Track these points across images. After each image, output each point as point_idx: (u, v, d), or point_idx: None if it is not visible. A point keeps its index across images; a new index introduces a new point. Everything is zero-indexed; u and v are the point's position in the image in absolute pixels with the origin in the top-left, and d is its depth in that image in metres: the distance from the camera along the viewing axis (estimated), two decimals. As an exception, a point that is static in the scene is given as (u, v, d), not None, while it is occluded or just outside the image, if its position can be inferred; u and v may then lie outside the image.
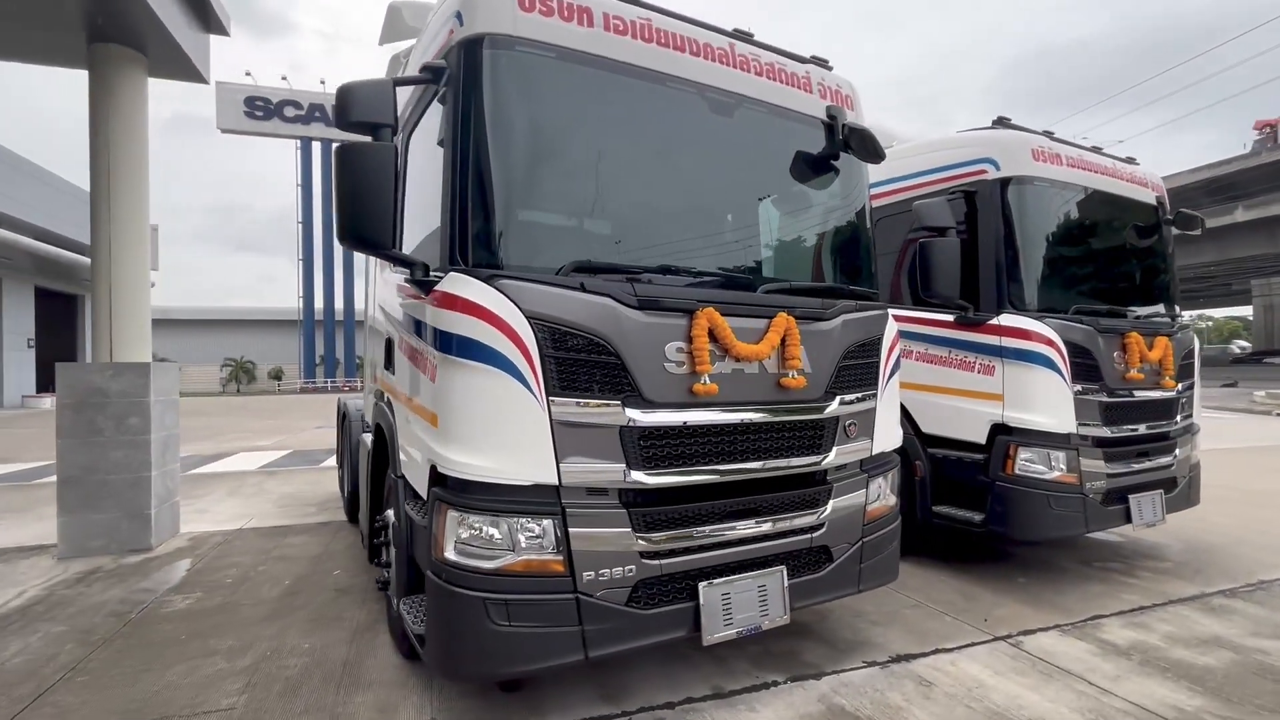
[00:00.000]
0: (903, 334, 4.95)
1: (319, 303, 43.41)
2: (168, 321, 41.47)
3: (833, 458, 3.10)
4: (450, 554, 2.39)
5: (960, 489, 4.66)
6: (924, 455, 4.84)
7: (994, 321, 4.43)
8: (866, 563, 3.27)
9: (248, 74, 41.05)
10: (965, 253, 4.57)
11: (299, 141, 43.15)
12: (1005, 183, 4.49)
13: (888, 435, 3.42)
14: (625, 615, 2.55)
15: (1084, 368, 4.38)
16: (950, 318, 4.67)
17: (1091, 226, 4.88)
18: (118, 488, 5.35)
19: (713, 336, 2.70)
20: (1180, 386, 4.95)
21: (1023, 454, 4.30)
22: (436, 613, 2.42)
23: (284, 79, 41.74)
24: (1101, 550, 5.39)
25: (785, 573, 2.92)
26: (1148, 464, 4.74)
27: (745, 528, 2.85)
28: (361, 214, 2.41)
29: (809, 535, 3.05)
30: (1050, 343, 4.27)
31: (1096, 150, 5.21)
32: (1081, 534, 4.53)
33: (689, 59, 2.95)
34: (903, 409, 4.95)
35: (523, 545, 2.41)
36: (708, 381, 2.65)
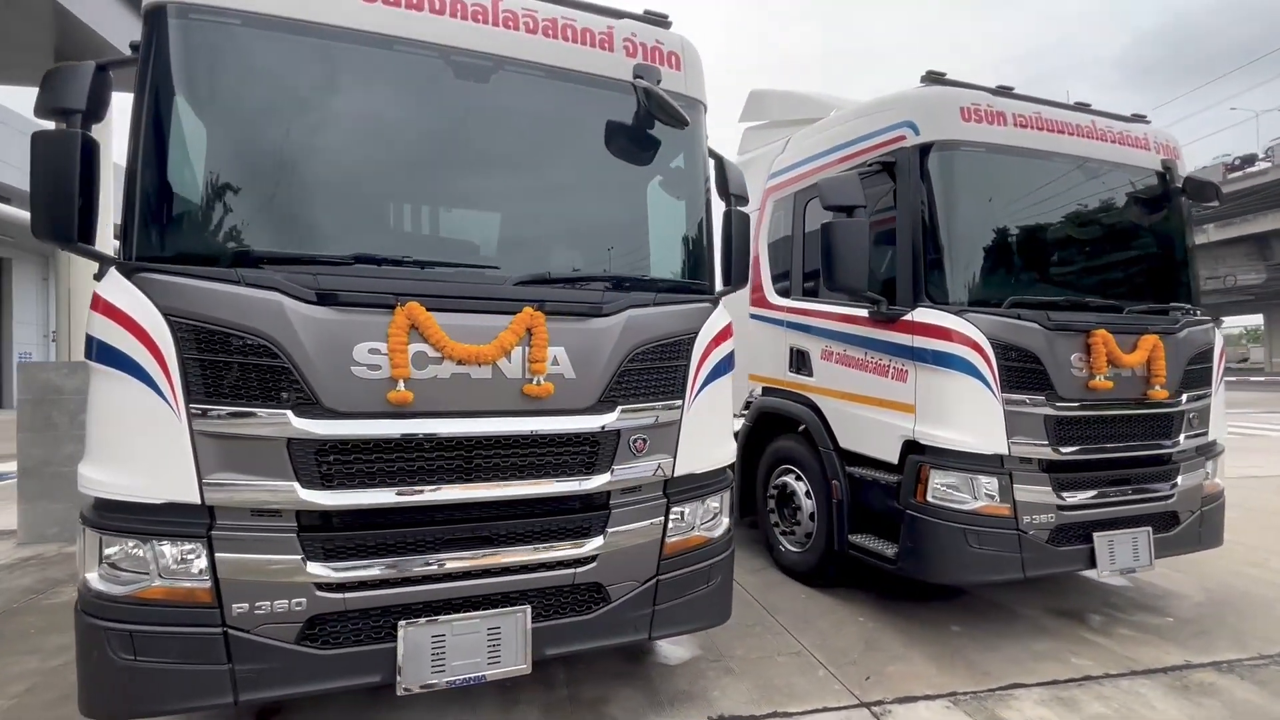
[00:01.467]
0: (821, 333, 4.33)
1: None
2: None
3: (607, 479, 2.61)
4: (91, 577, 2.18)
5: (878, 517, 3.94)
6: (841, 475, 4.14)
7: (908, 317, 3.68)
8: (664, 604, 2.75)
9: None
10: (887, 237, 3.87)
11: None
12: (925, 150, 3.71)
13: (703, 452, 2.87)
14: (294, 655, 2.23)
15: (1023, 373, 3.53)
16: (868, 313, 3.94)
17: (1056, 199, 3.95)
18: (71, 480, 5.67)
19: (424, 336, 2.32)
20: (1186, 397, 3.92)
21: (937, 478, 3.53)
22: (77, 642, 2.22)
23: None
24: (1091, 596, 4.40)
25: (529, 614, 2.48)
26: (1127, 494, 3.79)
27: (471, 559, 2.44)
28: (50, 206, 2.24)
29: (571, 570, 2.59)
30: (971, 343, 3.47)
31: (1082, 107, 4.26)
32: (1018, 579, 3.67)
33: (426, 17, 2.56)
34: (822, 420, 4.34)
35: (160, 571, 2.15)
36: (403, 388, 2.27)
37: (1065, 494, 3.61)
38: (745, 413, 5.22)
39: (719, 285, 3.14)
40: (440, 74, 2.60)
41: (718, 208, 3.20)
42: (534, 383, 2.45)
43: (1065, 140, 3.94)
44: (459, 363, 2.36)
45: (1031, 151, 3.84)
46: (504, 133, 2.76)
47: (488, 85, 2.67)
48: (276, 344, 2.18)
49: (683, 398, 2.78)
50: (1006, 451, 3.50)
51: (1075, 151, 3.96)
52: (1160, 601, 4.33)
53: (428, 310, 2.31)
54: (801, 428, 4.49)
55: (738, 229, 3.21)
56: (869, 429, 3.95)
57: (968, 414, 3.51)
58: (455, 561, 2.42)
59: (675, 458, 2.76)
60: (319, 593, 2.25)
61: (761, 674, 3.29)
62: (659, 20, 3.10)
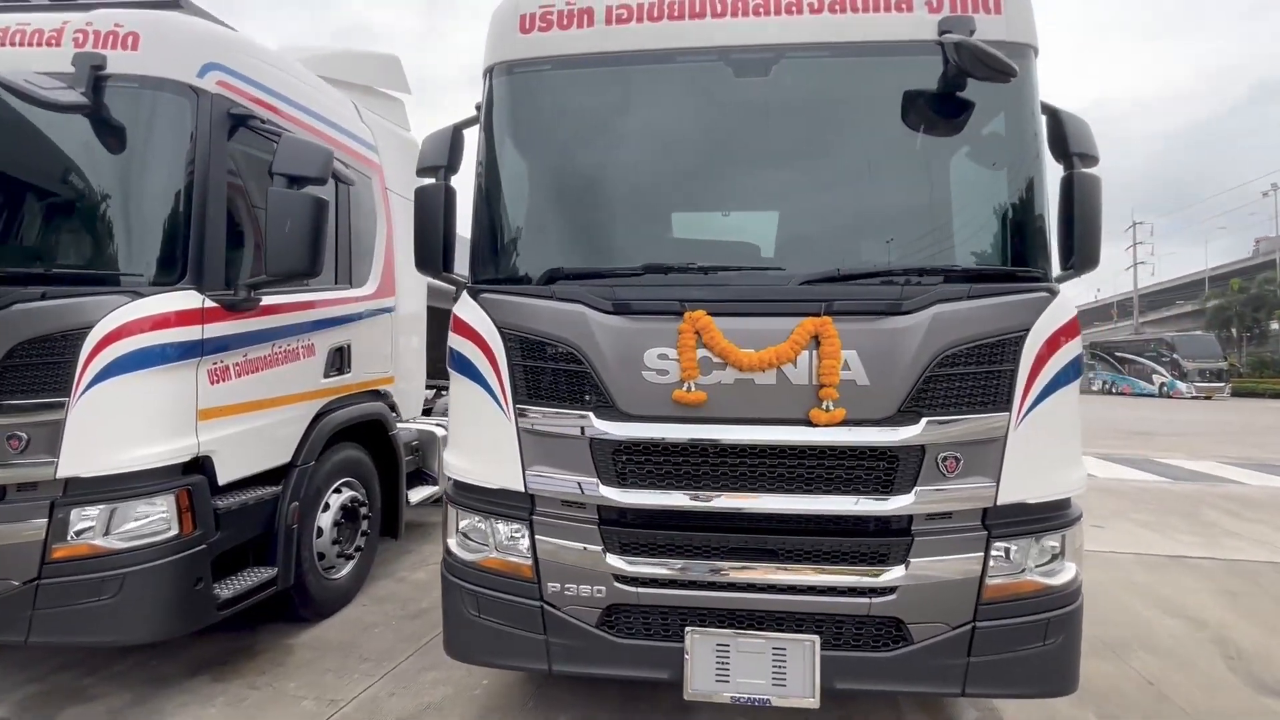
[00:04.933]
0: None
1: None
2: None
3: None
4: None
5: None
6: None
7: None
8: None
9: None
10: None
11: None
12: (486, 78, 2.79)
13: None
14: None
15: (558, 377, 2.43)
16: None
17: (690, 117, 2.58)
18: None
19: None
20: (926, 423, 2.25)
21: (452, 515, 2.65)
22: None
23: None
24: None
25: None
26: (766, 576, 2.34)
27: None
28: None
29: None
30: (474, 336, 2.52)
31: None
32: (543, 671, 2.48)
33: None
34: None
35: None
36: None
37: (631, 559, 2.40)
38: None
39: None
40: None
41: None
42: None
43: (715, 27, 2.52)
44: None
45: (639, 54, 2.59)
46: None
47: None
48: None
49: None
50: (523, 487, 2.47)
51: (744, 39, 2.54)
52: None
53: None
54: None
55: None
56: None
57: (475, 433, 2.58)
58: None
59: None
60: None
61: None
62: None
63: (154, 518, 2.78)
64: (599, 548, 2.42)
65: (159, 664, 3.32)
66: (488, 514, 2.54)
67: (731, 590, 2.39)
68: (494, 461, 2.51)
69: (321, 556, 3.86)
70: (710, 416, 2.35)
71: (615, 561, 2.40)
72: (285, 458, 3.50)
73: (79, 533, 2.69)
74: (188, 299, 2.86)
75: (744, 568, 2.38)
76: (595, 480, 2.40)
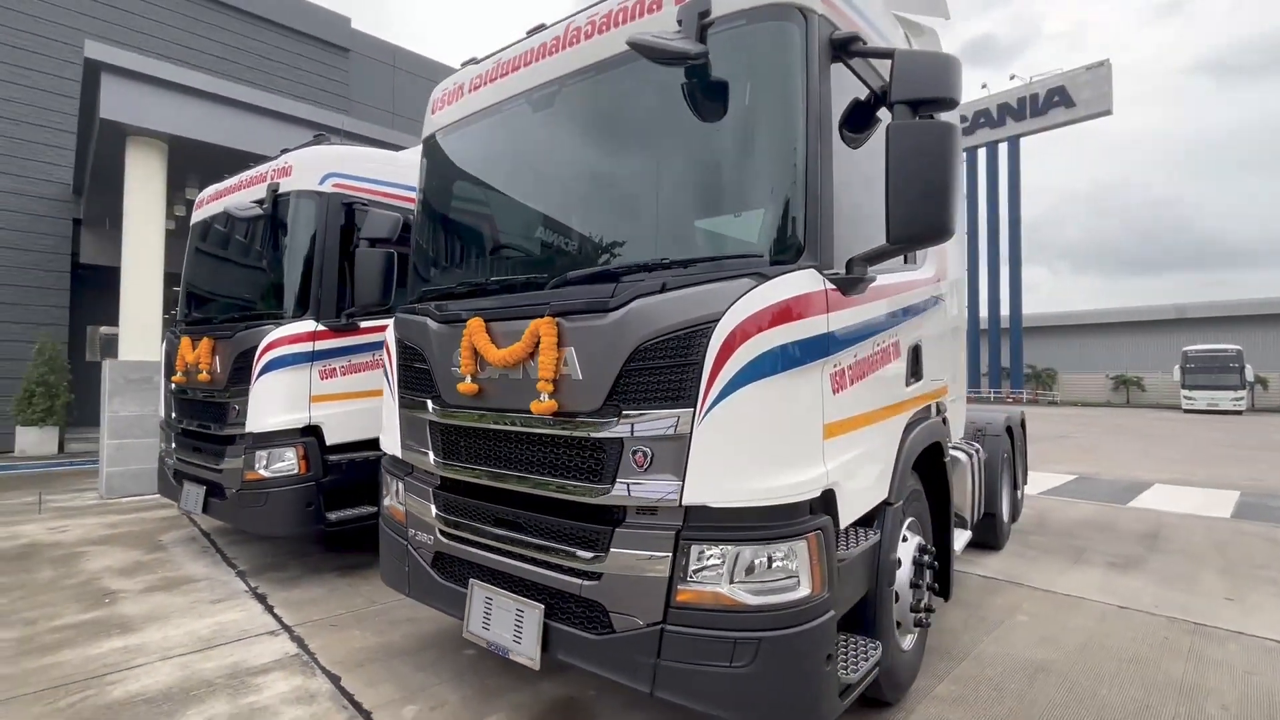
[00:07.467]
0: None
1: (982, 311, 41.82)
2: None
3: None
4: None
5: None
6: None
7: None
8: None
9: (984, 86, 38.69)
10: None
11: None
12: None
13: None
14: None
15: (415, 373, 3.17)
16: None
17: (512, 154, 2.93)
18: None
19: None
20: (621, 416, 2.31)
21: (383, 479, 3.59)
22: None
23: (984, 86, 38.69)
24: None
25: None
26: (513, 545, 2.65)
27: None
28: None
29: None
30: (386, 345, 3.44)
31: None
32: (406, 597, 3.06)
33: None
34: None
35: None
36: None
37: (444, 517, 3.02)
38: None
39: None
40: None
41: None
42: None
43: (524, 75, 2.97)
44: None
45: (481, 112, 3.17)
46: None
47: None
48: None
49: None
50: (400, 455, 3.30)
51: (538, 80, 2.92)
52: None
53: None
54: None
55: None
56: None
57: (386, 416, 3.50)
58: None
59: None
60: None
61: (331, 597, 4.36)
62: None
63: (288, 461, 4.49)
64: (431, 505, 3.11)
65: (322, 560, 5.14)
66: (391, 474, 3.46)
67: (496, 554, 2.80)
68: (391, 436, 3.42)
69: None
70: (481, 405, 2.83)
71: (436, 517, 3.06)
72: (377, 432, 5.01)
73: (255, 466, 4.56)
74: (304, 325, 4.54)
75: (497, 535, 2.77)
76: (429, 452, 3.10)
